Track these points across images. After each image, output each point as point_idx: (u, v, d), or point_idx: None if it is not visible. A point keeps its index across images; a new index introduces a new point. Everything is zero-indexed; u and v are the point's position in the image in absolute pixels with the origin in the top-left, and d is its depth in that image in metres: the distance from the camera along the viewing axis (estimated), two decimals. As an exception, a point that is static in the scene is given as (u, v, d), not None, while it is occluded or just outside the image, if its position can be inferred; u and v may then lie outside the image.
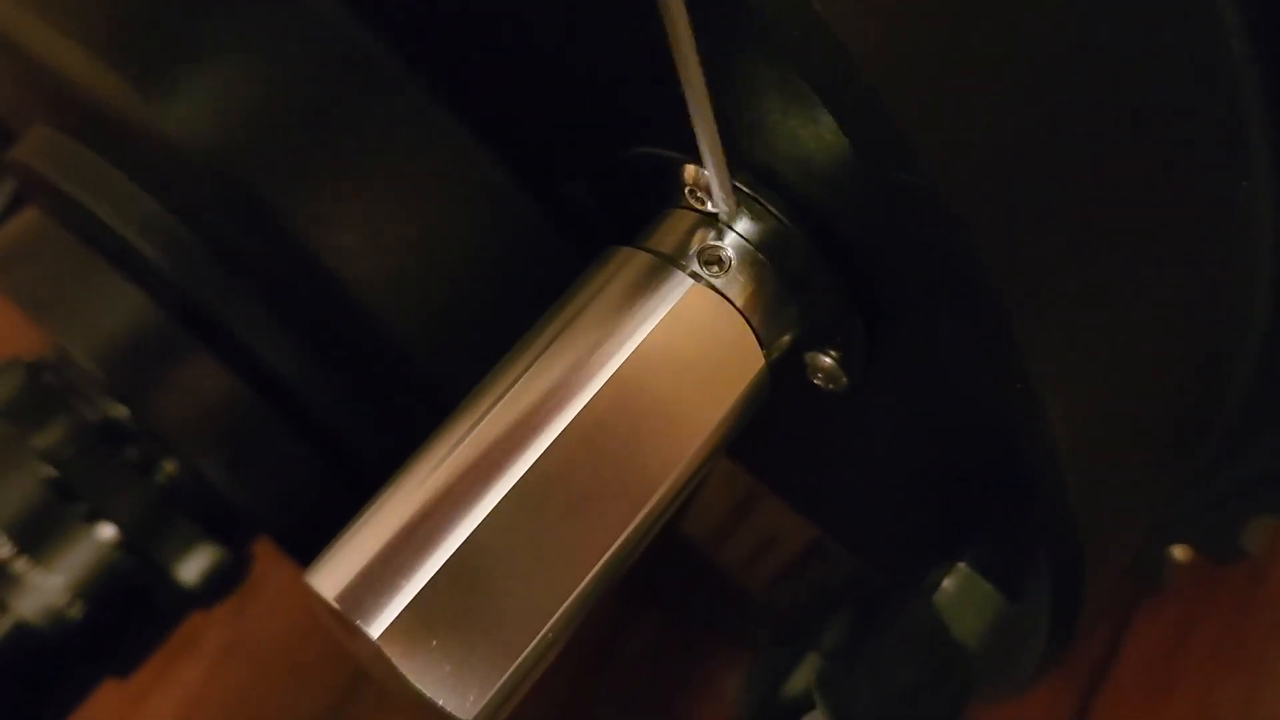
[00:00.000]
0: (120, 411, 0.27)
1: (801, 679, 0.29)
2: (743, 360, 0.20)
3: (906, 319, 0.20)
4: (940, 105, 0.17)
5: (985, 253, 0.18)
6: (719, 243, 0.20)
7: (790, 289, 0.20)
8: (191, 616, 0.29)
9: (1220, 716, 0.41)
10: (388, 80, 0.24)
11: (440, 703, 0.17)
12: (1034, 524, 0.22)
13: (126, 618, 0.27)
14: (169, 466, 0.27)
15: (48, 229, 0.27)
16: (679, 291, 0.19)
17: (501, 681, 0.17)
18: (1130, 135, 0.20)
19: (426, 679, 0.17)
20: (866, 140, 0.17)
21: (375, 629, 0.17)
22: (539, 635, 0.18)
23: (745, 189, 0.19)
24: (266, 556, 0.30)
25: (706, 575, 0.34)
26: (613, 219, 0.22)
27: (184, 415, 0.26)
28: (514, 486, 0.18)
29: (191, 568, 0.27)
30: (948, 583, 0.23)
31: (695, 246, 0.20)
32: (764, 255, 0.20)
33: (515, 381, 0.19)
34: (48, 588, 0.26)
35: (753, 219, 0.20)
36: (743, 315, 0.20)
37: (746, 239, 0.20)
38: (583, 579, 0.18)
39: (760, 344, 0.20)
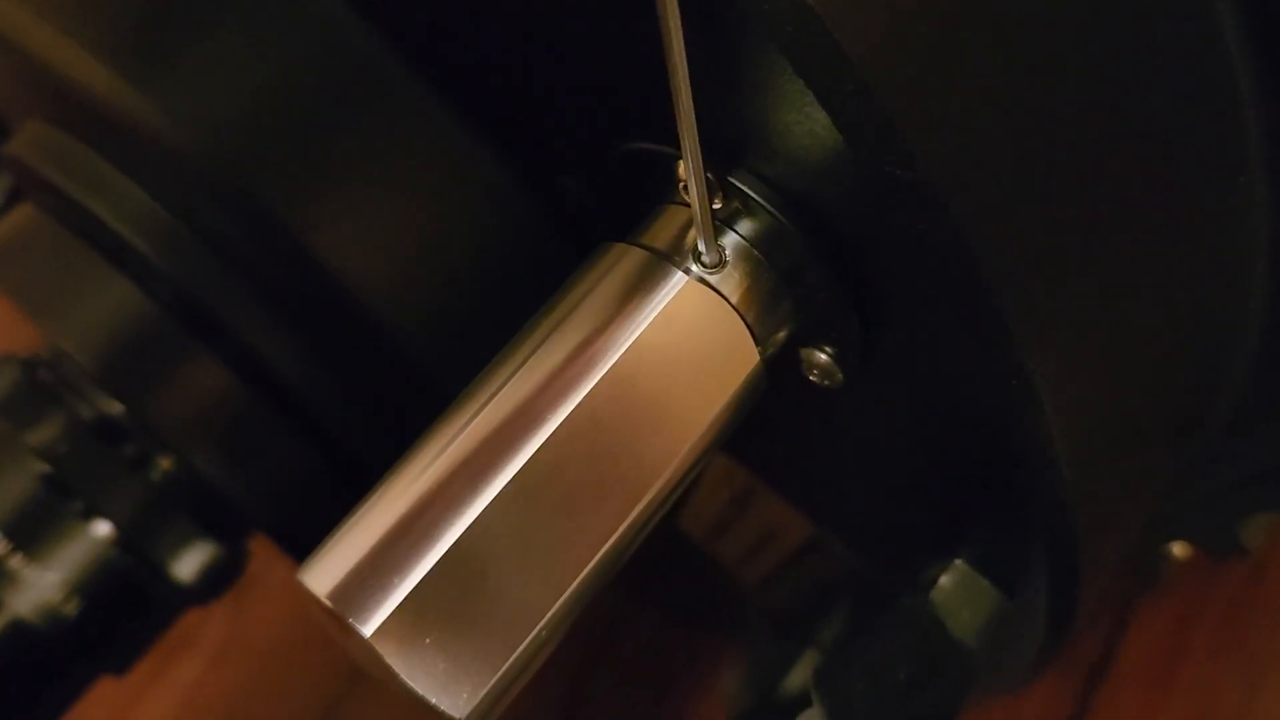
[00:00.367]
0: (116, 408, 0.27)
1: (799, 675, 0.29)
2: (738, 356, 0.20)
3: (902, 315, 0.20)
4: (934, 100, 0.17)
5: (980, 248, 0.18)
6: (714, 239, 0.20)
7: (785, 285, 0.20)
8: (188, 614, 0.29)
9: (1219, 714, 0.41)
10: (384, 76, 0.24)
11: (433, 700, 0.17)
12: (1030, 520, 0.22)
13: (122, 615, 0.27)
14: (165, 463, 0.27)
15: (43, 225, 0.27)
16: (674, 288, 0.19)
17: (495, 679, 0.17)
18: (1126, 128, 0.20)
19: (419, 677, 0.17)
20: (860, 136, 0.17)
21: (368, 627, 0.17)
22: (533, 633, 0.18)
23: (740, 185, 0.19)
24: (263, 554, 0.30)
25: (704, 571, 0.34)
26: (608, 214, 0.22)
27: (179, 411, 0.26)
28: (508, 483, 0.18)
29: (187, 565, 0.27)
30: (944, 579, 0.23)
31: (690, 242, 0.20)
32: (759, 251, 0.20)
33: (510, 378, 0.19)
34: (43, 585, 0.26)
35: (747, 215, 0.20)
36: (737, 311, 0.20)
37: (741, 235, 0.20)
38: (577, 575, 0.18)
39: (755, 340, 0.20)
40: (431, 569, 0.17)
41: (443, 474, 0.18)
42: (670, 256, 0.20)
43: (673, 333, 0.19)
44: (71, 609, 0.26)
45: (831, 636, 0.29)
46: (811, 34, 0.16)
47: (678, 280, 0.19)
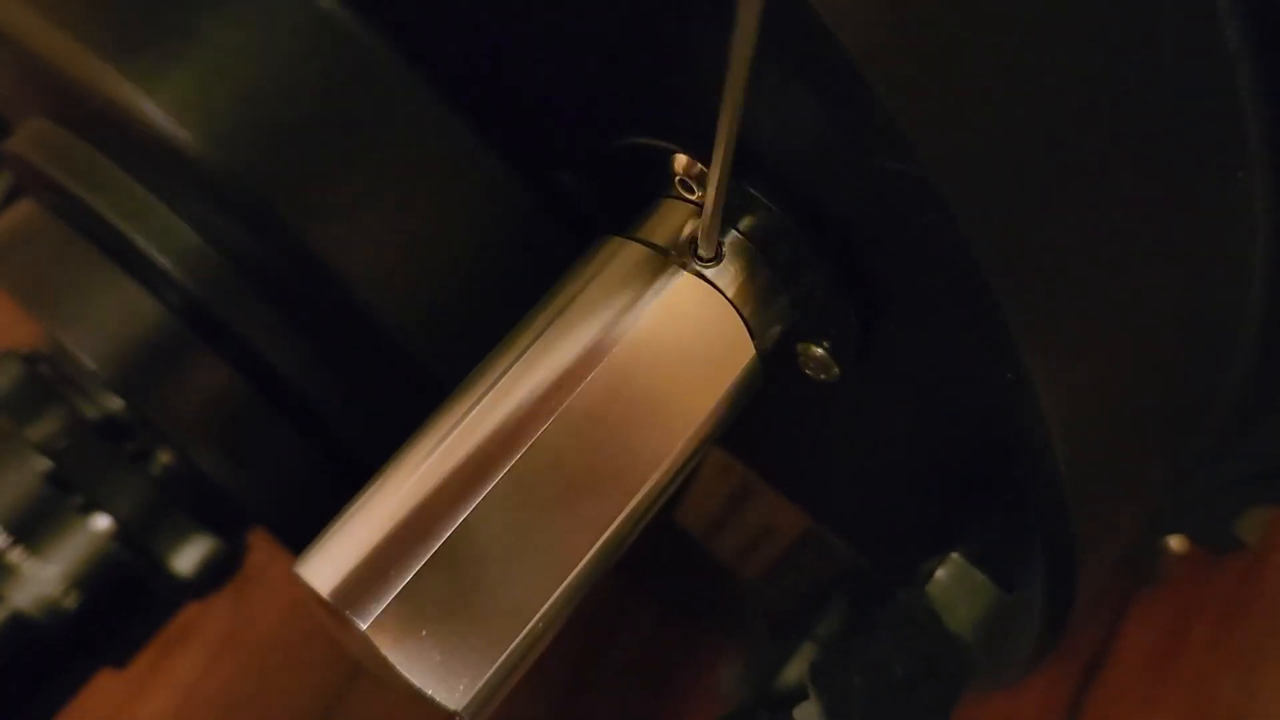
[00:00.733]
0: (115, 403, 0.27)
1: (796, 670, 0.29)
2: (734, 350, 0.20)
3: (899, 309, 0.20)
4: (931, 94, 0.17)
5: (976, 241, 0.18)
6: (710, 233, 0.20)
7: (781, 279, 0.20)
8: (188, 608, 0.29)
9: (1217, 709, 0.41)
10: (384, 73, 0.24)
11: (430, 693, 0.17)
12: (1027, 514, 0.22)
13: (122, 608, 0.27)
14: (164, 458, 0.27)
15: (44, 222, 0.27)
16: (670, 282, 0.19)
17: (491, 671, 0.17)
18: (1124, 121, 0.20)
19: (416, 669, 0.17)
20: (855, 129, 0.17)
21: (364, 620, 0.17)
22: (529, 625, 0.18)
23: (737, 180, 0.19)
24: (263, 549, 0.30)
25: (702, 566, 0.34)
26: (605, 208, 0.22)
27: (179, 407, 0.26)
28: (504, 476, 0.18)
29: (187, 558, 0.27)
30: (941, 573, 0.23)
31: (687, 237, 0.20)
32: (755, 245, 0.20)
33: (506, 371, 0.19)
34: (43, 578, 0.26)
35: (744, 210, 0.20)
36: (734, 306, 0.20)
37: (738, 230, 0.20)
38: (573, 569, 0.18)
39: (751, 334, 0.20)
40: (427, 562, 0.17)
41: (439, 467, 0.18)
42: (667, 251, 0.20)
43: (669, 326, 0.19)
44: (71, 602, 0.26)
45: (829, 632, 0.29)
46: (809, 30, 0.16)
47: (674, 275, 0.19)
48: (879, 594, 0.25)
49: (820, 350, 0.21)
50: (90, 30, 0.24)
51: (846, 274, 0.20)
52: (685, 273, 0.20)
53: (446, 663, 0.17)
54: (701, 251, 0.20)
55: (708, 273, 0.20)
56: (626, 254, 0.20)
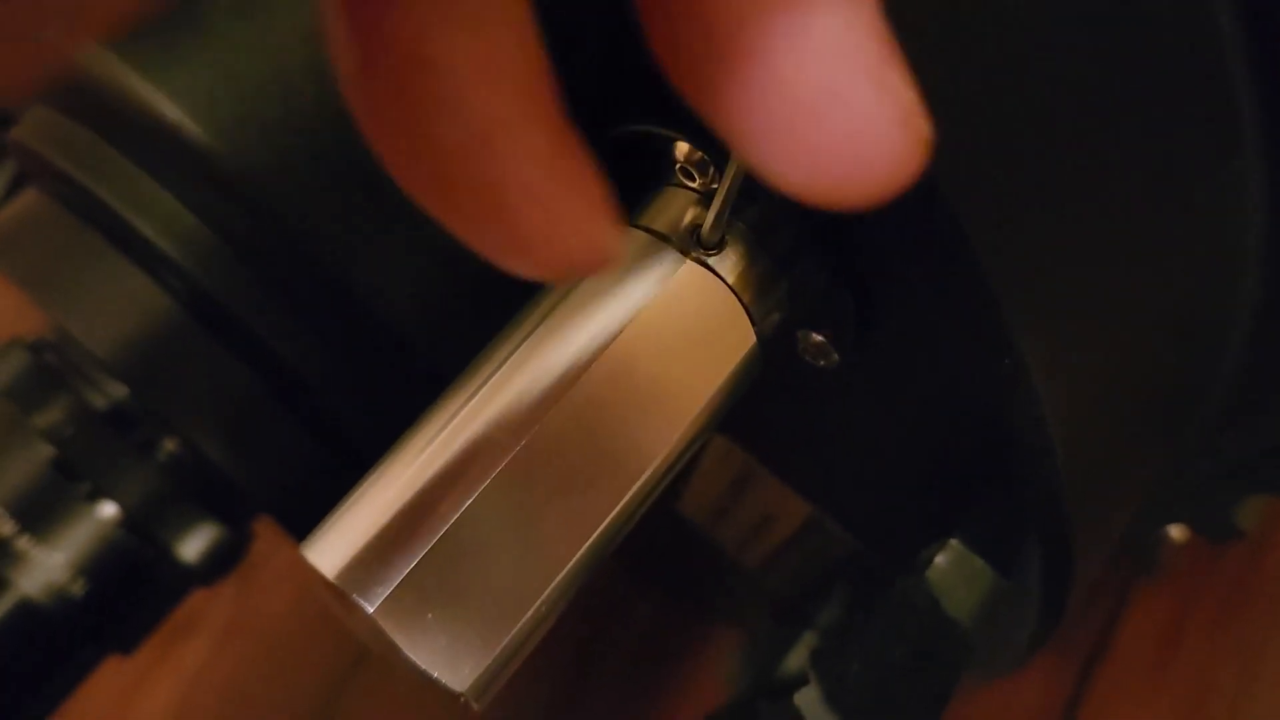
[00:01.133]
0: (121, 391, 0.27)
1: (798, 658, 0.29)
2: (734, 337, 0.20)
3: (896, 297, 0.20)
4: (925, 83, 0.17)
5: (972, 230, 0.18)
6: (712, 221, 0.20)
7: (781, 267, 0.20)
8: (193, 597, 0.29)
9: (1217, 698, 0.41)
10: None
11: (435, 674, 0.17)
12: (1024, 500, 0.22)
13: (128, 595, 0.27)
14: (170, 445, 0.27)
15: (50, 211, 0.27)
16: (672, 269, 0.20)
17: (496, 654, 0.18)
18: (1119, 112, 0.20)
19: (422, 652, 0.17)
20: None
21: (371, 603, 0.17)
22: (532, 608, 0.18)
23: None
24: (267, 538, 0.30)
25: (704, 554, 0.34)
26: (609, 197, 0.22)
27: (184, 395, 0.26)
28: (507, 463, 0.18)
29: (192, 546, 0.27)
30: (940, 559, 0.23)
31: (689, 224, 0.20)
32: (755, 234, 0.20)
33: (509, 358, 0.19)
34: (50, 565, 0.26)
35: (745, 199, 0.20)
36: (734, 293, 0.20)
37: (739, 218, 0.20)
38: (576, 553, 0.18)
39: (752, 321, 0.20)
40: (433, 547, 0.17)
41: (443, 454, 0.18)
42: (669, 238, 0.20)
43: (671, 313, 0.19)
44: (79, 589, 0.26)
45: (830, 620, 0.29)
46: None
47: (676, 262, 0.20)
48: (880, 583, 0.25)
49: (819, 337, 0.21)
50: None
51: (845, 262, 0.20)
52: (688, 260, 0.20)
53: (452, 645, 0.17)
54: (706, 239, 0.20)
55: (709, 260, 0.20)
56: (629, 241, 0.20)
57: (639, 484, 0.19)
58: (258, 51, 0.24)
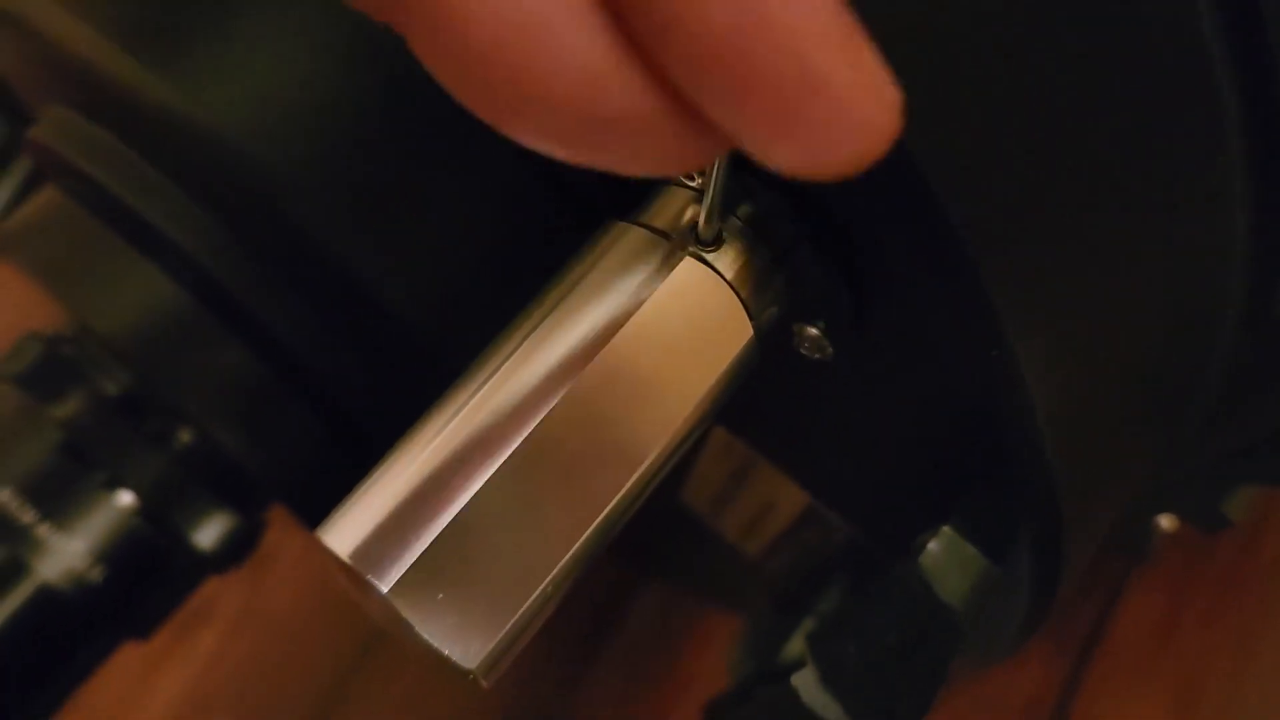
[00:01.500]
0: (136, 382, 0.27)
1: (798, 644, 0.29)
2: (732, 331, 0.20)
3: (891, 291, 0.21)
4: (919, 82, 0.18)
5: (963, 223, 0.18)
6: (710, 218, 0.20)
7: (778, 262, 0.21)
8: (207, 585, 0.29)
9: (1211, 686, 0.41)
10: (396, 63, 0.24)
11: (446, 651, 0.18)
12: (1015, 489, 0.23)
13: (145, 581, 0.28)
14: (185, 435, 0.28)
15: (66, 207, 0.27)
16: (671, 265, 0.20)
17: (503, 633, 0.18)
18: (1107, 106, 0.20)
19: (433, 630, 0.18)
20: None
21: (385, 582, 0.18)
22: (538, 589, 0.18)
23: (735, 168, 0.20)
24: (280, 528, 0.30)
25: (705, 543, 0.35)
26: (609, 195, 0.23)
27: (199, 385, 0.27)
28: (514, 451, 0.19)
29: (207, 534, 0.28)
30: (933, 545, 0.24)
31: (688, 221, 0.21)
32: (753, 230, 0.21)
33: (516, 350, 0.20)
34: (69, 552, 0.27)
35: (742, 195, 0.21)
36: (732, 288, 0.20)
37: (736, 215, 0.21)
38: (580, 537, 0.19)
39: (749, 315, 0.20)
40: (444, 530, 0.18)
41: (453, 442, 0.19)
42: (669, 235, 0.20)
43: (671, 308, 0.20)
44: (96, 575, 0.27)
45: (830, 605, 0.30)
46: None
47: (675, 258, 0.20)
48: (876, 571, 0.26)
49: (815, 330, 0.22)
50: (108, 18, 0.24)
51: (840, 258, 0.21)
52: (686, 256, 0.20)
53: (462, 624, 0.18)
54: (702, 236, 0.20)
55: (708, 256, 0.20)
56: (630, 238, 0.21)
57: (640, 471, 0.19)
58: (270, 50, 0.24)
